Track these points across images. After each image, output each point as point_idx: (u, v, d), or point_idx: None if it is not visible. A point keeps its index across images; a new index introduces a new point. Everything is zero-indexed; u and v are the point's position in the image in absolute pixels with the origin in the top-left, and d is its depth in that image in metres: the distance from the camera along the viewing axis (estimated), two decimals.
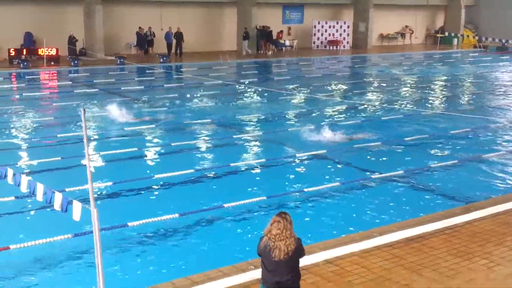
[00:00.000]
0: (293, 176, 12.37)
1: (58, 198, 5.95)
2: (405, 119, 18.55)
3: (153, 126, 16.80)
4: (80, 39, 33.62)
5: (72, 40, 32.69)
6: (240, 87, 24.86)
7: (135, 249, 8.56)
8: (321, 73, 31.26)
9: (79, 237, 8.31)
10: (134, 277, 7.71)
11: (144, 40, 35.42)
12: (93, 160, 12.85)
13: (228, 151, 14.23)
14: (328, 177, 12.12)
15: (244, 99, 22.70)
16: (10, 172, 6.83)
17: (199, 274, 7.22)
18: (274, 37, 40.36)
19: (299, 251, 5.48)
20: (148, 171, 12.33)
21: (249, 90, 24.43)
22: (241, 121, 18.06)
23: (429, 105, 21.61)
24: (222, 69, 30.99)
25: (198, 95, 22.80)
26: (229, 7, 39.29)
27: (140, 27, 34.88)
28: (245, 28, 37.15)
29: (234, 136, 15.62)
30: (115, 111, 17.86)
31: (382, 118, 18.70)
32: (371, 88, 26.14)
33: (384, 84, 26.87)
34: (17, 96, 22.42)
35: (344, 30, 43.06)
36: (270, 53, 38.77)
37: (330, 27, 42.89)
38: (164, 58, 32.62)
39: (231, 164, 12.72)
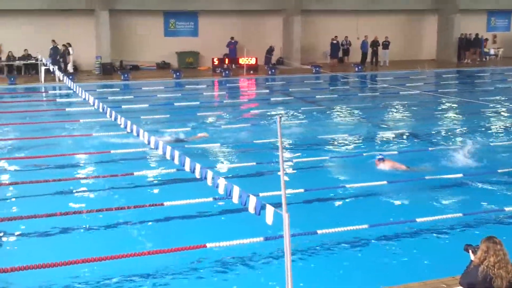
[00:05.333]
0: (493, 193, 11.53)
1: (252, 201, 6.10)
2: None
3: (346, 135, 16.75)
4: (278, 49, 34.79)
5: (270, 50, 33.92)
6: (438, 98, 23.89)
7: (323, 256, 8.56)
8: None
9: (270, 241, 8.50)
10: (320, 284, 7.71)
11: (338, 49, 35.60)
12: (287, 166, 13.13)
13: (422, 163, 13.65)
14: None
15: (442, 110, 21.77)
16: (209, 174, 7.18)
17: (387, 287, 6.99)
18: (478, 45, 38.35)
19: None
20: (338, 180, 12.31)
21: (447, 100, 23.37)
22: (437, 133, 17.32)
23: None
24: (420, 79, 30.05)
25: (393, 105, 22.35)
26: (430, 14, 38.11)
27: (335, 36, 35.12)
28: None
29: (430, 149, 15.02)
30: (308, 120, 18.13)
31: None
32: None
33: None
34: (218, 103, 23.76)
35: None
36: (469, 61, 36.85)
37: None
38: (360, 67, 32.48)
39: (426, 177, 12.22)
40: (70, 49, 29.73)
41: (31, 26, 30.44)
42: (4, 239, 9.20)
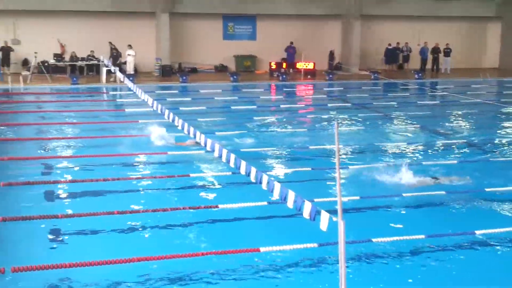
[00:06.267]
0: None
1: (307, 207, 6.08)
2: None
3: (403, 143, 16.48)
4: (336, 54, 34.60)
5: (332, 55, 33.76)
6: (500, 107, 23.24)
7: (378, 265, 8.43)
8: None
9: (324, 247, 8.43)
10: None
11: (395, 55, 35.10)
12: (342, 172, 13.00)
13: (481, 174, 13.28)
14: None
15: (504, 120, 21.15)
16: (265, 178, 7.18)
17: None
18: None
19: None
20: (395, 188, 12.10)
21: (510, 110, 22.71)
22: (498, 143, 16.83)
23: None
24: (482, 87, 29.32)
25: (452, 113, 21.89)
26: (493, 22, 37.17)
27: (397, 43, 34.65)
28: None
29: (491, 159, 14.61)
30: (365, 126, 17.95)
31: None
32: None
33: None
34: (274, 107, 23.79)
35: None
36: None
37: None
38: (419, 74, 31.93)
39: (486, 189, 11.87)
40: (131, 50, 30.30)
41: (93, 27, 31.26)
42: (63, 235, 9.44)
